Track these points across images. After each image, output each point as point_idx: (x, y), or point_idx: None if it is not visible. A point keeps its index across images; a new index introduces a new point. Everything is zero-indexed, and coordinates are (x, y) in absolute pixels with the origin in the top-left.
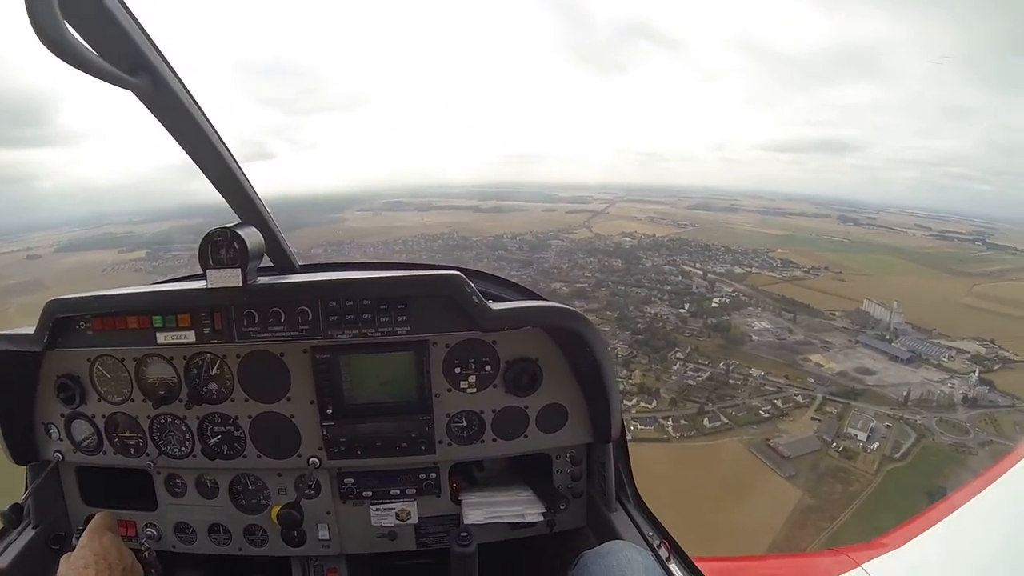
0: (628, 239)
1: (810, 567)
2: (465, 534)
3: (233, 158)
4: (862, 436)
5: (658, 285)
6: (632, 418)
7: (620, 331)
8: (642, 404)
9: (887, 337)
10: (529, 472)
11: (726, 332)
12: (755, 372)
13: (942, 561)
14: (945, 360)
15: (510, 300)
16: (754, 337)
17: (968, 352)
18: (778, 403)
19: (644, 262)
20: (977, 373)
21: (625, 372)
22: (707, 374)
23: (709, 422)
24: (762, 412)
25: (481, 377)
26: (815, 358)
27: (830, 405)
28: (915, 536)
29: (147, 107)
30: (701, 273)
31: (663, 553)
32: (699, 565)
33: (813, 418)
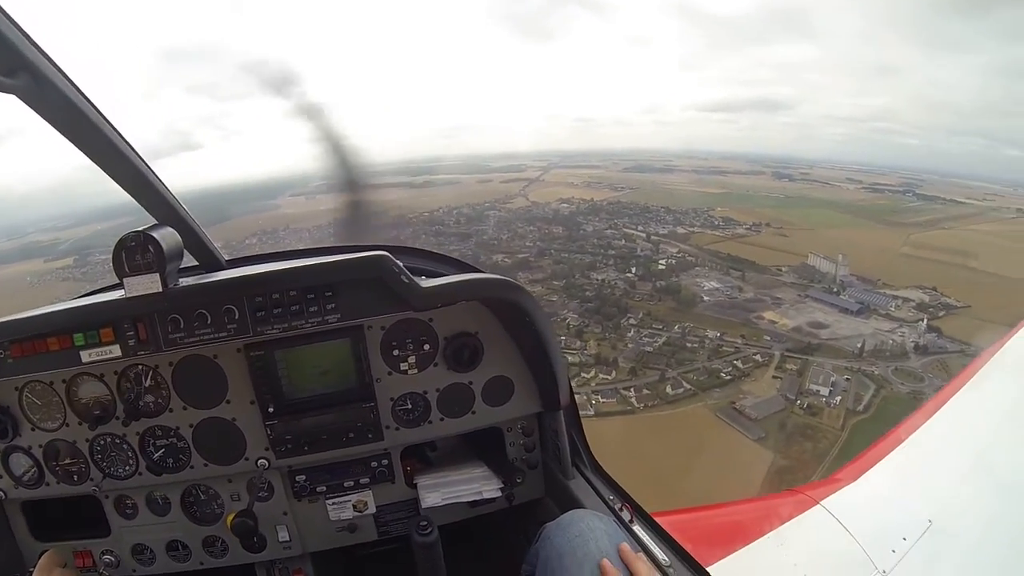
0: (566, 205)
1: (771, 509)
2: (425, 523)
3: (139, 156)
4: (824, 391)
5: (602, 250)
6: (592, 391)
7: (569, 300)
8: (601, 376)
9: (835, 290)
10: (482, 447)
11: (677, 294)
12: (711, 334)
13: (894, 489)
14: (892, 310)
15: (444, 275)
16: (705, 298)
17: (913, 300)
18: (738, 364)
19: (585, 228)
20: (925, 321)
21: (579, 343)
22: (663, 339)
23: (672, 389)
24: (723, 374)
25: (421, 357)
26: (768, 315)
27: (789, 362)
28: (867, 469)
29: (33, 109)
30: (644, 235)
31: (625, 516)
32: (662, 520)
33: (774, 376)
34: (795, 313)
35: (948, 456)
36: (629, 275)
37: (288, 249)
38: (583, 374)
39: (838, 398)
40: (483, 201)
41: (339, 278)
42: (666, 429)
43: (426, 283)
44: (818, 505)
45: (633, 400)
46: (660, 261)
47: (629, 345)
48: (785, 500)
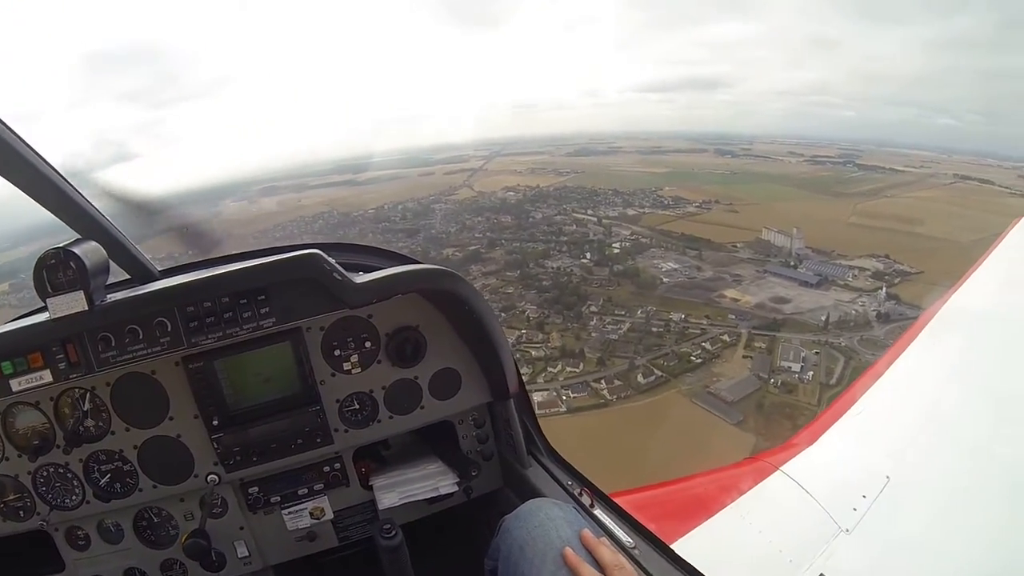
0: (512, 193)
1: (732, 479)
2: (388, 526)
3: (53, 169)
4: (795, 367)
5: (553, 237)
6: (562, 386)
7: (526, 291)
8: (568, 369)
9: (792, 263)
10: (435, 442)
11: (635, 277)
12: (675, 316)
13: (851, 449)
14: (850, 279)
15: (381, 269)
16: (664, 279)
17: (868, 269)
18: (707, 345)
19: (534, 215)
20: (884, 289)
21: (541, 336)
22: (627, 325)
23: (643, 377)
24: (693, 358)
25: (363, 355)
26: (730, 293)
27: (757, 340)
28: (823, 432)
29: None
30: (595, 219)
31: (586, 500)
32: (624, 501)
33: (744, 356)
34: (756, 289)
35: (900, 413)
36: (584, 261)
37: (221, 255)
38: (550, 368)
39: (810, 373)
40: (428, 195)
41: (270, 280)
42: (643, 420)
43: (359, 279)
44: (778, 471)
45: (605, 392)
46: (614, 245)
47: (593, 334)
48: (745, 469)
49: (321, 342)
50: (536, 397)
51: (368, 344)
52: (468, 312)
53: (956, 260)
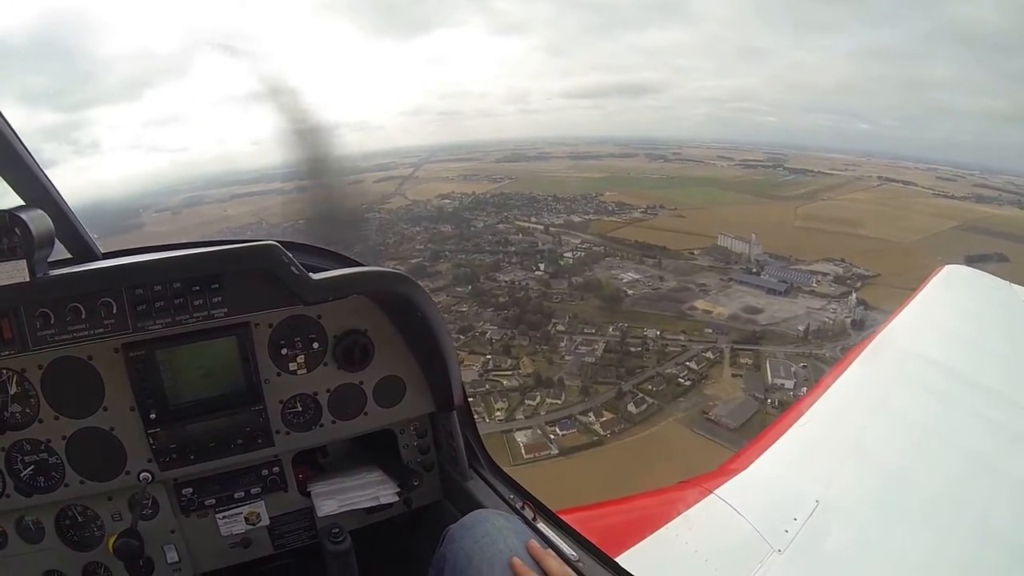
0: (448, 201)
1: (668, 502)
2: (337, 530)
3: (9, 126)
4: (789, 384)
5: (500, 247)
6: (546, 423)
7: (481, 309)
8: (549, 400)
9: (754, 270)
10: (375, 451)
11: (598, 290)
12: (650, 333)
13: (783, 473)
14: (815, 286)
15: (331, 270)
16: (629, 291)
17: (828, 273)
18: (692, 365)
19: (475, 223)
20: (854, 295)
21: (511, 361)
22: (602, 345)
23: (635, 406)
24: (681, 380)
25: (310, 356)
26: (700, 305)
27: (741, 355)
28: (757, 457)
29: None
30: (542, 227)
31: (528, 514)
32: (565, 518)
33: (733, 375)
34: (725, 299)
35: (830, 440)
36: (539, 273)
37: (169, 242)
38: (527, 401)
39: (804, 388)
40: (360, 204)
41: (225, 268)
42: (649, 459)
43: (317, 276)
44: (712, 494)
45: (597, 427)
46: (566, 254)
47: (567, 357)
48: (682, 492)
49: (269, 339)
50: (519, 438)
51: (316, 345)
52: (419, 319)
53: (905, 260)
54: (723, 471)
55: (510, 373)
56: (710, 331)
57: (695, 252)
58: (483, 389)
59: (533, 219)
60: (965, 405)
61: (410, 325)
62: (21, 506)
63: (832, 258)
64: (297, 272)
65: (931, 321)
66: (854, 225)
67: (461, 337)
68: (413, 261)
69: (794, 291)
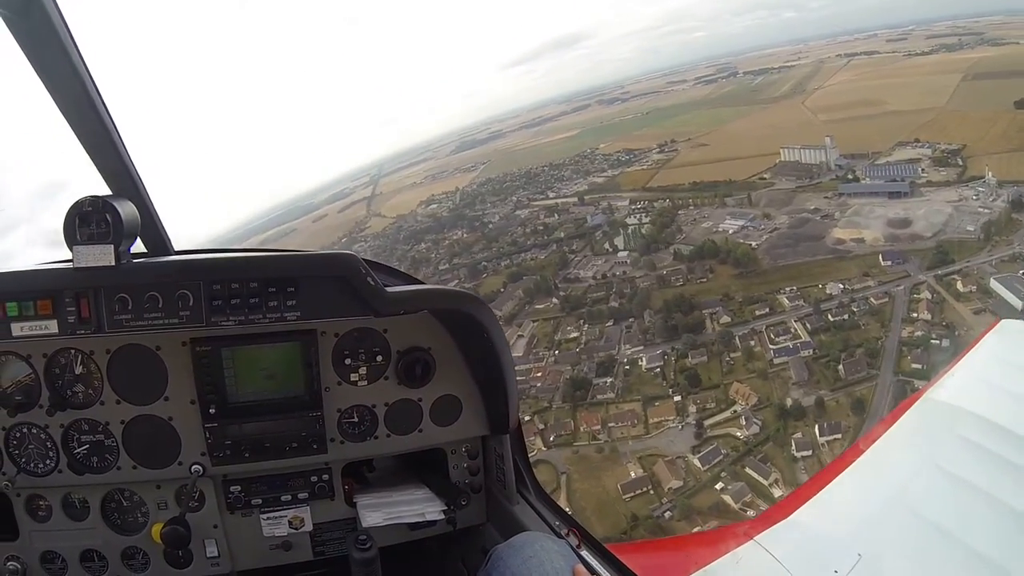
0: (435, 205)
1: (711, 543)
2: (364, 537)
3: (111, 118)
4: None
5: (543, 236)
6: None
7: (592, 325)
8: (825, 439)
9: (850, 176)
10: (422, 469)
11: (717, 255)
12: (831, 289)
13: (825, 524)
14: (924, 175)
15: (397, 286)
16: (753, 244)
17: (919, 158)
18: (924, 315)
19: (486, 220)
20: (990, 173)
21: (705, 394)
22: (798, 326)
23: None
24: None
25: (372, 368)
26: (842, 234)
27: (948, 283)
28: (799, 506)
29: (15, 37)
30: (573, 199)
31: (573, 541)
32: (611, 551)
33: (975, 311)
34: (860, 220)
35: (875, 493)
36: (623, 254)
37: (243, 247)
38: (798, 453)
39: None
40: (339, 237)
41: (304, 273)
42: None
43: (391, 289)
44: (752, 541)
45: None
46: (630, 223)
47: (774, 361)
48: (726, 535)
49: (333, 349)
50: None
51: (379, 358)
52: (483, 340)
53: (967, 124)
54: (765, 518)
55: (729, 414)
56: (888, 263)
57: (765, 176)
58: (723, 456)
59: (551, 193)
60: (1017, 466)
61: (473, 346)
62: (71, 483)
63: (904, 142)
64: (373, 283)
65: (985, 377)
66: (876, 105)
67: (608, 379)
68: (451, 285)
69: (914, 188)
